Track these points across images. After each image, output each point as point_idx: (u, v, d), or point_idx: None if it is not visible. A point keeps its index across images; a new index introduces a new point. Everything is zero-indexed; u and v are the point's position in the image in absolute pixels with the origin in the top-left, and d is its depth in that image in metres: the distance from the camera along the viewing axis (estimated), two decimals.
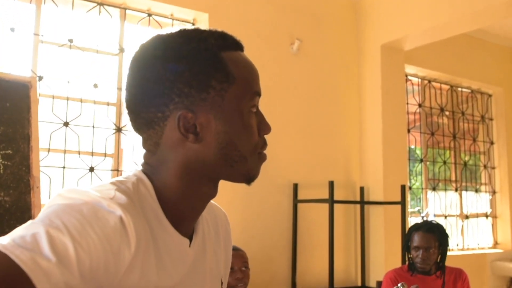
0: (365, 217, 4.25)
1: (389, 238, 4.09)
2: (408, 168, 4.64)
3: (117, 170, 3.56)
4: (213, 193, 1.00)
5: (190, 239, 0.97)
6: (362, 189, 4.25)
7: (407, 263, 3.28)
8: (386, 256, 4.06)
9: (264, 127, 0.99)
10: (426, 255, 3.12)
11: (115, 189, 0.86)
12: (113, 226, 0.81)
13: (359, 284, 4.18)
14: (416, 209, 4.97)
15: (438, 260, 3.24)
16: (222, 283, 1.09)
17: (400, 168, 4.30)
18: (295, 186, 3.96)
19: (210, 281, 1.02)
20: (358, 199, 4.25)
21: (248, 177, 0.97)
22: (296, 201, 3.95)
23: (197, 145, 0.92)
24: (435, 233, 3.19)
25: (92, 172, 3.44)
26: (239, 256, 2.61)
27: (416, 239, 3.17)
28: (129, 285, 0.84)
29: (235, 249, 2.66)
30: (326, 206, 3.74)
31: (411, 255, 3.23)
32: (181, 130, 0.91)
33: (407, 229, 3.37)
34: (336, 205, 4.01)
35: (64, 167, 3.37)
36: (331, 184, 3.64)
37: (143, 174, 0.94)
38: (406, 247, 3.28)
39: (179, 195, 0.94)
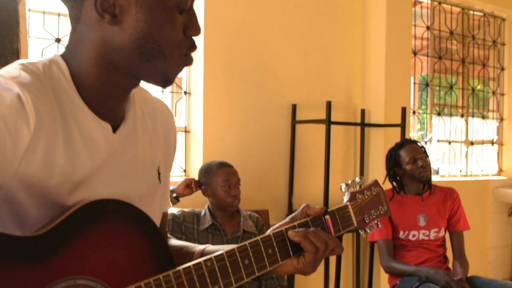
0: (365, 140, 4.20)
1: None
2: (412, 91, 4.54)
3: None
4: (133, 83, 0.96)
5: (118, 127, 0.96)
6: (363, 111, 4.18)
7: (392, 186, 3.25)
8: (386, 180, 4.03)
9: (192, 26, 0.92)
10: (426, 162, 3.10)
11: (21, 68, 0.84)
12: (9, 103, 0.78)
13: None
14: (419, 133, 4.90)
15: None
16: (159, 173, 1.06)
17: (403, 91, 4.21)
18: (294, 107, 3.90)
19: (141, 169, 1.00)
20: (359, 121, 4.19)
21: (164, 78, 0.92)
22: (294, 122, 3.90)
23: (114, 27, 0.87)
24: (420, 145, 3.18)
25: None
26: (234, 173, 2.60)
27: (409, 152, 3.13)
28: (31, 172, 0.80)
29: (229, 166, 2.64)
30: (324, 127, 3.68)
31: (400, 174, 3.20)
32: (97, 8, 0.86)
33: None
34: (336, 127, 3.97)
35: None
36: (329, 104, 3.58)
37: (59, 57, 0.92)
38: (391, 169, 3.23)
39: (95, 79, 0.91)
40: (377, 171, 4.14)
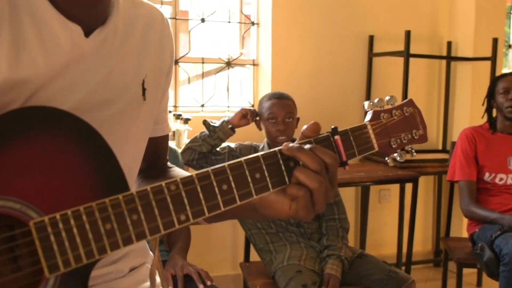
0: (451, 75, 3.82)
1: (476, 99, 3.65)
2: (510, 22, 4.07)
3: None
4: None
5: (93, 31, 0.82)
6: (449, 43, 3.78)
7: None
8: (471, 118, 3.67)
9: None
10: None
11: None
12: None
13: (440, 147, 3.87)
14: None
15: None
16: (145, 89, 0.91)
17: (496, 19, 3.75)
18: (371, 38, 3.59)
19: (119, 82, 0.86)
20: (444, 54, 3.81)
21: None
22: (371, 55, 3.60)
23: None
24: None
25: None
26: (281, 106, 2.38)
27: (504, 83, 2.79)
28: None
29: (278, 97, 2.43)
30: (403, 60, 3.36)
31: (494, 107, 2.87)
32: None
33: None
34: (418, 61, 3.63)
35: None
36: (408, 34, 3.24)
37: None
38: (489, 100, 2.91)
39: None
40: (463, 109, 3.78)
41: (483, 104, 2.98)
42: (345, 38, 3.56)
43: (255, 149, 2.44)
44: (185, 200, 0.73)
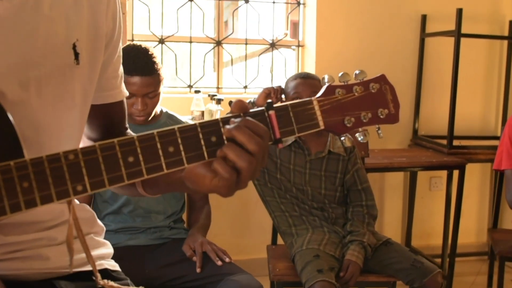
0: None
1: None
2: None
3: None
4: None
5: None
6: (511, 22, 3.53)
7: None
8: None
9: None
10: None
11: None
12: None
13: (498, 134, 3.64)
14: None
15: None
16: (77, 52, 0.89)
17: None
18: (424, 18, 3.42)
19: (45, 46, 0.85)
20: (505, 34, 3.56)
21: None
22: (423, 35, 3.43)
23: None
24: None
25: None
26: (307, 85, 2.29)
27: None
28: None
29: (304, 77, 2.36)
30: (461, 42, 3.16)
31: None
32: None
33: None
34: (477, 42, 3.43)
35: None
36: (459, 12, 3.05)
37: None
38: None
39: None
40: None
41: None
42: (395, 18, 3.41)
43: None
44: (84, 170, 0.72)
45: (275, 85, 2.45)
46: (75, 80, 0.91)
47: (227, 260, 1.98)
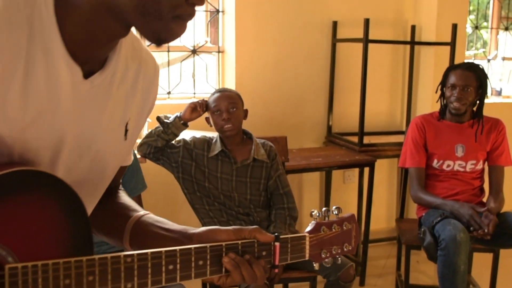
0: (415, 59, 3.91)
1: (437, 83, 3.75)
2: (474, 6, 4.12)
3: None
4: (123, 31, 0.87)
5: (92, 73, 0.88)
6: (413, 27, 3.86)
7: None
8: (433, 101, 3.76)
9: None
10: (462, 94, 2.83)
11: None
12: None
13: (404, 129, 3.98)
14: (481, 50, 4.49)
15: (475, 109, 2.96)
16: (127, 130, 1.00)
17: (459, 3, 3.82)
18: (335, 24, 3.67)
19: (108, 123, 0.94)
20: (409, 39, 3.88)
21: (159, 38, 0.82)
22: (334, 41, 3.68)
23: None
24: (475, 72, 2.87)
25: None
26: (224, 97, 2.51)
27: (453, 77, 2.88)
28: None
29: (221, 91, 2.56)
30: (369, 46, 3.43)
31: (445, 98, 2.97)
32: None
33: None
34: (383, 46, 3.72)
35: None
36: (366, 22, 3.32)
37: None
38: (442, 88, 3.01)
39: (81, 16, 0.81)
40: (426, 93, 3.89)
41: (436, 92, 3.08)
42: (309, 24, 3.63)
43: (208, 142, 2.55)
44: (135, 272, 0.87)
45: (205, 91, 2.59)
46: (118, 154, 1.01)
47: None
